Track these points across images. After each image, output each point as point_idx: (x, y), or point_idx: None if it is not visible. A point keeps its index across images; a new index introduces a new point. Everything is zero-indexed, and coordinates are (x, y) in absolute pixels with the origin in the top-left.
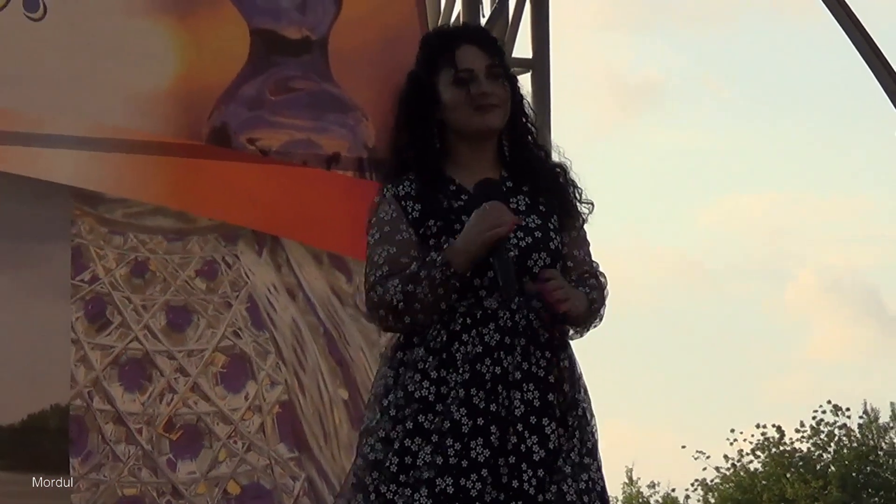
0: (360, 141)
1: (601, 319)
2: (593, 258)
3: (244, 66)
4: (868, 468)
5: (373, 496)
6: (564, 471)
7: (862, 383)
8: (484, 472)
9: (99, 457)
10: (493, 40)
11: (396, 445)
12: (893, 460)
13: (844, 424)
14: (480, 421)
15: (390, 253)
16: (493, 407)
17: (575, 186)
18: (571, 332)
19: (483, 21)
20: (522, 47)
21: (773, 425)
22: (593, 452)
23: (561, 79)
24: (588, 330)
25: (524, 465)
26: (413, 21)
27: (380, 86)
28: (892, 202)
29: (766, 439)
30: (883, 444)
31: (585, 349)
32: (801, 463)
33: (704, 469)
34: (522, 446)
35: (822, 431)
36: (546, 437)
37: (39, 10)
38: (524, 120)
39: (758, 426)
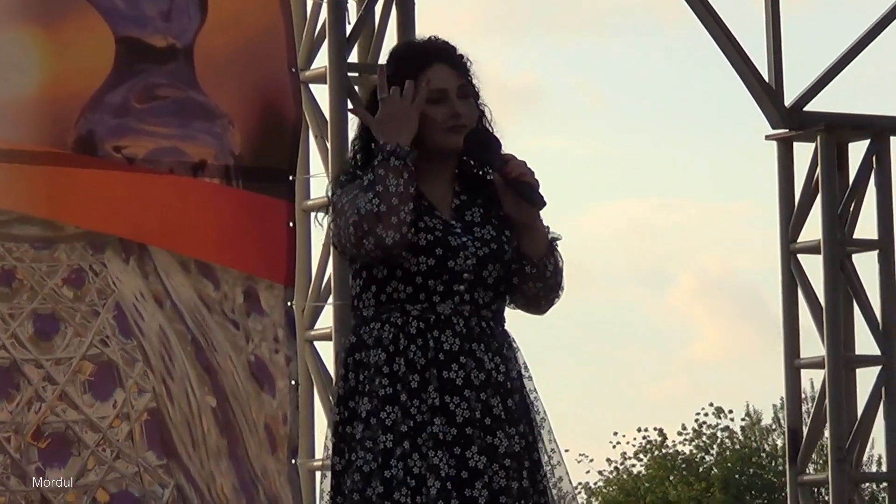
0: (226, 148)
1: (561, 291)
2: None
3: (109, 73)
4: (751, 470)
5: None
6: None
7: (744, 385)
8: (498, 478)
9: None
10: (461, 58)
11: (383, 451)
12: (776, 462)
13: (727, 427)
14: (468, 429)
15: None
16: (467, 414)
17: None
18: (533, 290)
19: (349, 28)
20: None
21: (656, 428)
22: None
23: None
24: (551, 297)
25: (516, 465)
26: (278, 28)
27: (246, 92)
28: (769, 205)
29: (649, 442)
30: (766, 445)
31: None
32: (683, 465)
33: (588, 472)
34: (514, 447)
35: (705, 434)
36: (514, 440)
37: None
38: (486, 134)
39: (640, 429)
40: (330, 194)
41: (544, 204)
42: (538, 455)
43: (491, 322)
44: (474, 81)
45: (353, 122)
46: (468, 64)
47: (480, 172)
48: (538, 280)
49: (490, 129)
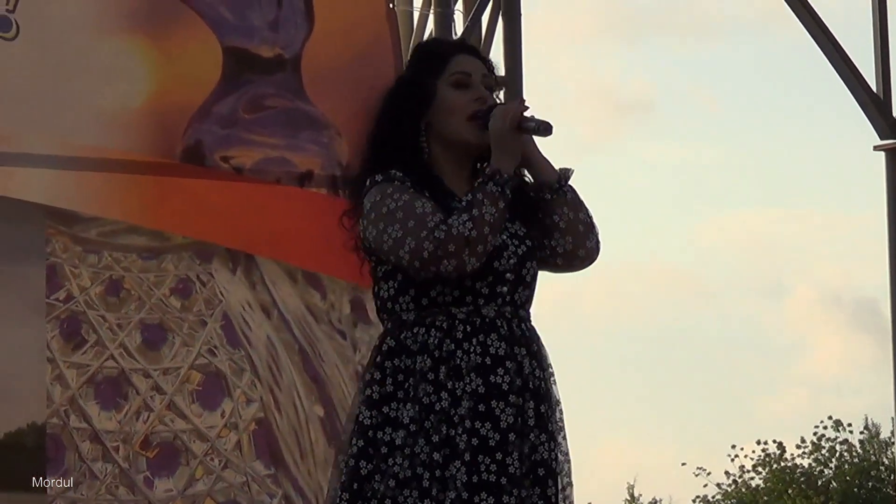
0: (333, 159)
1: (596, 231)
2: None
3: (217, 84)
4: (870, 483)
5: None
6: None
7: (862, 399)
8: (524, 487)
9: (76, 475)
10: (486, 56)
11: (425, 459)
12: (895, 475)
13: (846, 440)
14: (512, 435)
15: (432, 204)
16: (511, 420)
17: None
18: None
19: (456, 38)
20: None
21: (774, 441)
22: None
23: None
24: (586, 238)
25: (542, 472)
26: (385, 39)
27: (353, 103)
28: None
29: (767, 455)
30: (885, 459)
31: (586, 366)
32: (802, 479)
33: (705, 486)
34: (537, 456)
35: (824, 447)
36: (544, 447)
37: (12, 30)
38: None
39: (758, 442)
40: (368, 193)
41: (551, 129)
42: (556, 463)
43: (528, 323)
44: (499, 83)
45: None
46: (493, 67)
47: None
48: (565, 209)
49: None
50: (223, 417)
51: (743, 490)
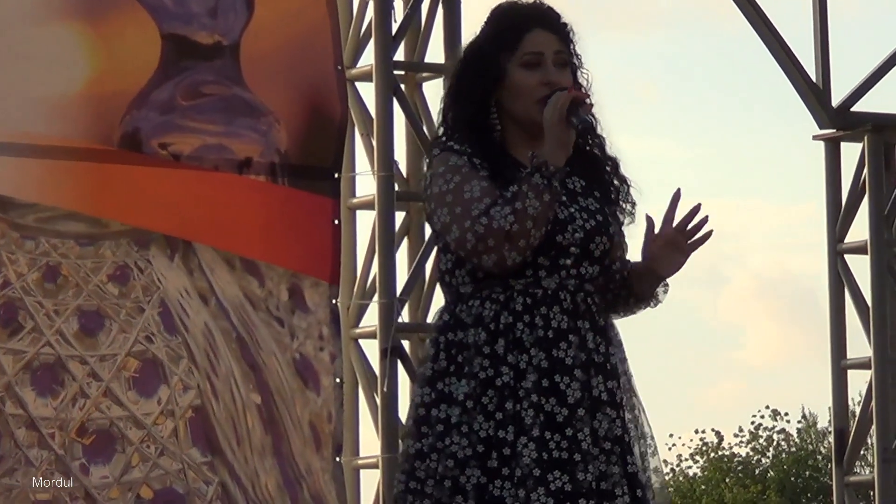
0: (272, 146)
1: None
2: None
3: (156, 70)
4: (807, 472)
5: (476, 494)
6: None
7: (800, 388)
8: (599, 462)
9: (11, 461)
10: (564, 25)
11: (486, 437)
12: (831, 464)
13: (783, 429)
14: (580, 411)
15: (482, 186)
16: (578, 395)
17: (625, 182)
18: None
19: (395, 26)
20: (436, 53)
21: (712, 430)
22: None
23: None
24: (625, 313)
25: (618, 449)
26: (325, 26)
27: (292, 90)
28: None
29: (705, 444)
30: (822, 448)
31: None
32: (739, 468)
33: None
34: (616, 431)
35: (761, 436)
36: (615, 424)
37: None
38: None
39: (696, 431)
40: (430, 165)
41: (590, 126)
42: (632, 441)
43: (595, 297)
44: (577, 52)
45: (398, 120)
46: (571, 34)
47: (579, 139)
48: (622, 298)
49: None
50: (160, 404)
51: (680, 479)
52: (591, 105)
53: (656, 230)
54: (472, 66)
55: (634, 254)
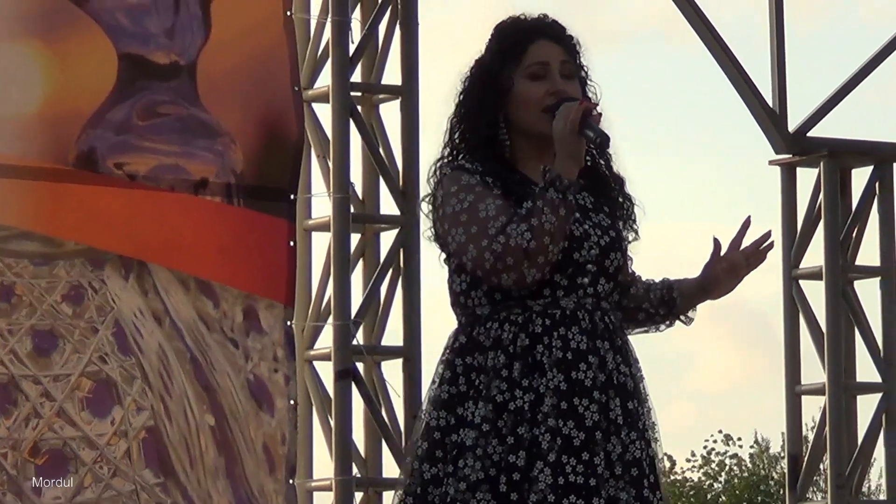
0: (228, 166)
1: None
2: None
3: (112, 90)
4: (759, 498)
5: None
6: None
7: (752, 413)
8: (609, 486)
9: None
10: (570, 38)
11: (498, 461)
12: (784, 489)
13: (735, 454)
14: (598, 434)
15: (497, 204)
16: (596, 417)
17: (632, 201)
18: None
19: (352, 47)
20: (393, 75)
21: (665, 454)
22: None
23: (433, 103)
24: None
25: (635, 472)
26: (282, 47)
27: (249, 111)
28: (777, 230)
29: None
30: (774, 473)
31: None
32: (692, 492)
33: None
34: (634, 453)
35: (713, 461)
36: (635, 445)
37: None
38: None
39: None
40: (434, 188)
41: (608, 141)
42: (647, 462)
43: (611, 315)
44: (583, 65)
45: (354, 143)
46: (577, 46)
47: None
48: (657, 316)
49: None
50: (113, 425)
51: None
52: (601, 117)
53: (722, 252)
54: (478, 82)
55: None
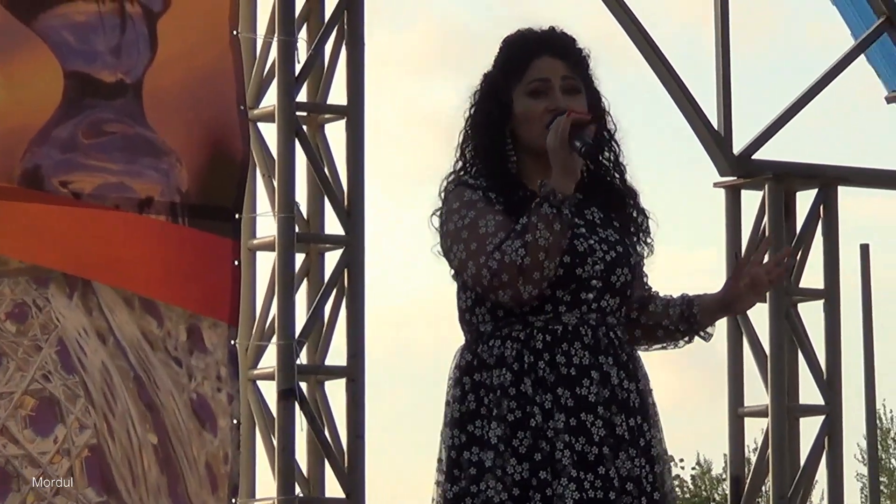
0: (173, 185)
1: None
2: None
3: (58, 108)
4: None
5: None
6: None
7: (695, 434)
8: (621, 502)
9: None
10: (578, 51)
11: (520, 480)
12: None
13: (678, 475)
14: (605, 449)
15: (497, 221)
16: (603, 433)
17: (644, 213)
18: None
19: (298, 67)
20: (339, 95)
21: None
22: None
23: (379, 124)
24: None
25: (636, 490)
26: (228, 66)
27: (194, 130)
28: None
29: None
30: (716, 495)
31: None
32: None
33: None
34: (635, 472)
35: None
36: (634, 463)
37: None
38: (605, 134)
39: None
40: (444, 201)
41: (594, 152)
42: (655, 479)
43: (617, 331)
44: (593, 79)
45: (300, 162)
46: (586, 58)
47: (597, 169)
48: (677, 332)
49: (611, 135)
50: (56, 443)
51: None
52: (595, 127)
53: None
54: (484, 97)
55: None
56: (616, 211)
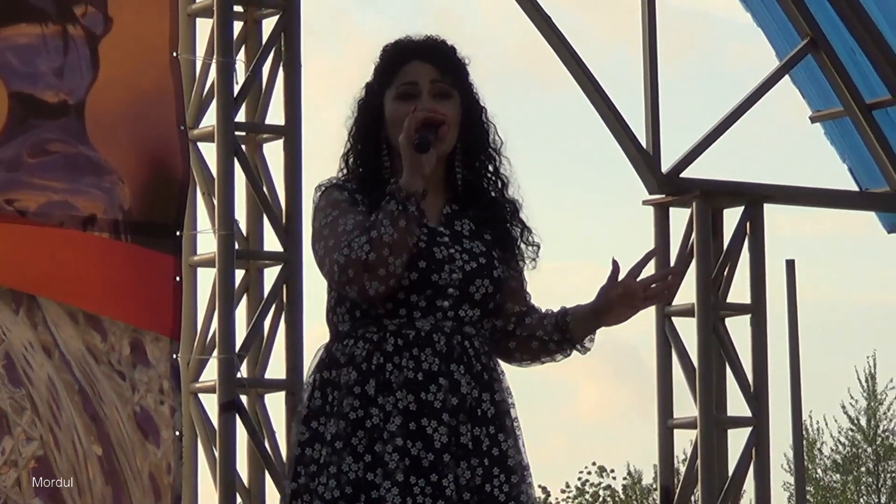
0: (115, 203)
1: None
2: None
3: (3, 128)
4: None
5: None
6: None
7: (626, 445)
8: None
9: None
10: (449, 58)
11: (354, 479)
12: None
13: (609, 486)
14: (446, 456)
15: (357, 220)
16: (445, 440)
17: (524, 226)
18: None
19: (237, 88)
20: (276, 115)
21: (539, 486)
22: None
23: (316, 143)
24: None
25: (476, 499)
26: (168, 87)
27: (136, 149)
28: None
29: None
30: None
31: None
32: None
33: None
34: (476, 481)
35: (587, 492)
36: (476, 473)
37: None
38: (480, 143)
39: None
40: (316, 200)
41: (424, 147)
42: (511, 489)
43: (474, 341)
44: (471, 86)
45: (239, 181)
46: (463, 66)
47: (476, 181)
48: (551, 343)
49: (493, 146)
50: (3, 455)
51: None
52: (448, 129)
53: (620, 277)
54: (361, 104)
55: (539, 299)
56: (491, 224)
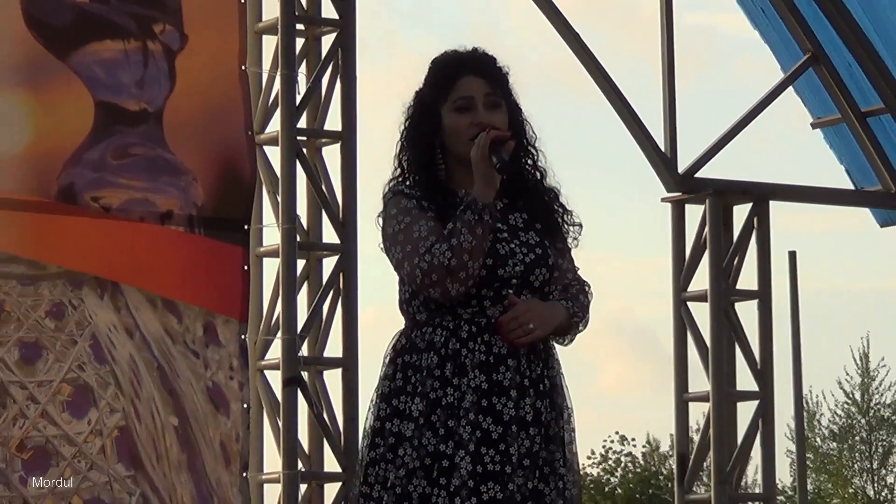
0: (190, 200)
1: (585, 325)
2: (578, 272)
3: (89, 133)
4: (650, 490)
5: (420, 502)
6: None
7: (645, 416)
8: (518, 477)
9: None
10: (499, 70)
11: (432, 451)
12: (671, 484)
13: (630, 452)
14: (514, 427)
15: (430, 225)
16: (512, 413)
17: (565, 209)
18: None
19: (299, 97)
20: (334, 121)
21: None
22: (573, 463)
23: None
24: (572, 338)
25: (546, 469)
26: (237, 97)
27: (207, 152)
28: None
29: None
30: (663, 469)
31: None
32: (592, 486)
33: None
34: (534, 448)
35: (611, 458)
36: (535, 441)
37: None
38: (524, 143)
39: None
40: (384, 207)
41: (507, 169)
42: (557, 461)
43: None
44: (512, 94)
45: (300, 180)
46: (506, 76)
47: (519, 176)
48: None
49: (530, 142)
50: (90, 425)
51: None
52: (513, 143)
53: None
54: (415, 114)
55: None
56: (539, 213)
